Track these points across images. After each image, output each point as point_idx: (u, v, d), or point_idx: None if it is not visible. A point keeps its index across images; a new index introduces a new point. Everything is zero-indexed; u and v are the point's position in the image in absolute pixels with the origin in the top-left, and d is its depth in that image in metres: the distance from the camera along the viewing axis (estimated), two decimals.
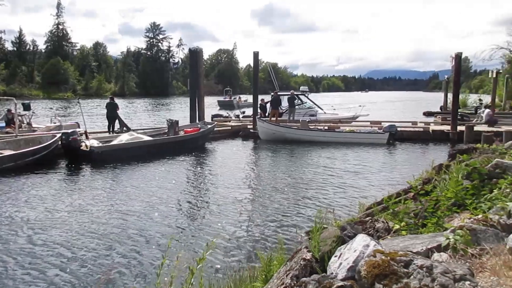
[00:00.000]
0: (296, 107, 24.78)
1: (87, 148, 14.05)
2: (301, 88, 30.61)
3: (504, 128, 17.75)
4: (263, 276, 3.60)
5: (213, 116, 26.88)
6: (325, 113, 26.68)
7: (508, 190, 4.04)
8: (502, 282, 2.14)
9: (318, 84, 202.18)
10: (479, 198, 4.24)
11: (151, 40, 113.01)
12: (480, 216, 3.42)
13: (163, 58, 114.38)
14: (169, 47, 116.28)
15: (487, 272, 2.44)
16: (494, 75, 32.81)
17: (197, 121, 20.21)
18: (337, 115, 26.58)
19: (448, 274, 2.13)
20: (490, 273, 2.39)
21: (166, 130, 17.86)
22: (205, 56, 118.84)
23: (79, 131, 15.15)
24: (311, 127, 20.88)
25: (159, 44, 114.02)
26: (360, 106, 28.38)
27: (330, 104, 32.46)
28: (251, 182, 12.00)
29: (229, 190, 10.70)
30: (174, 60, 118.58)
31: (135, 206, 9.09)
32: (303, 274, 2.96)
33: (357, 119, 25.97)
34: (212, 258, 6.17)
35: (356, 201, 8.46)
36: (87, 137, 15.07)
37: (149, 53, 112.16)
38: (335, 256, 2.89)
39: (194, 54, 21.18)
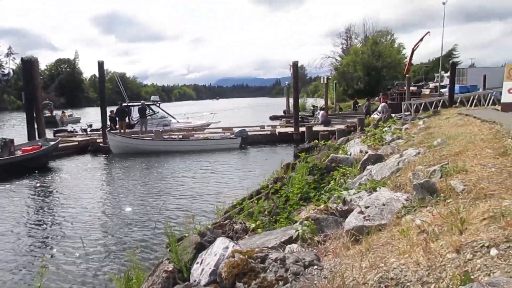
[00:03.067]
0: (148, 117, 24.21)
1: None
2: (152, 97, 29.97)
3: (336, 127, 20.30)
4: None
5: (56, 132, 24.47)
6: (178, 122, 26.64)
7: (342, 180, 4.64)
8: (342, 261, 2.44)
9: (170, 93, 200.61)
10: (320, 190, 4.79)
11: None
12: (322, 206, 3.84)
13: None
14: None
15: (330, 255, 2.75)
16: (325, 81, 37.36)
17: (37, 138, 18.09)
18: (191, 124, 26.81)
19: (299, 262, 2.34)
20: (333, 255, 2.71)
21: None
22: (42, 66, 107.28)
23: None
24: (165, 137, 20.61)
25: None
26: (211, 113, 29.12)
27: (183, 113, 32.54)
28: (104, 199, 11.26)
29: (79, 211, 9.85)
30: (3, 71, 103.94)
31: None
32: (166, 286, 2.91)
33: (209, 126, 26.59)
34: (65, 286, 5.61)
35: (215, 206, 8.64)
36: None
37: None
38: (197, 263, 2.92)
39: (28, 64, 18.90)
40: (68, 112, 47.71)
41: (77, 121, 42.46)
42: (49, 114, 42.09)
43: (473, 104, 19.23)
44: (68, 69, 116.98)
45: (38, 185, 13.34)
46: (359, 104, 35.39)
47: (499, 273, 1.75)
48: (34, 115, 18.61)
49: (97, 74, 22.50)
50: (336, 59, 61.52)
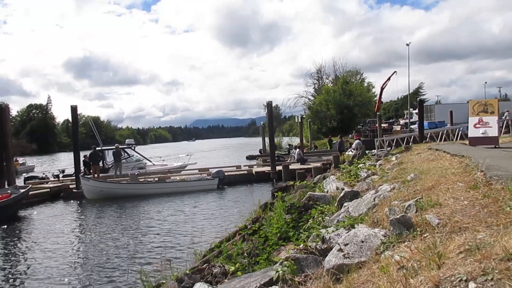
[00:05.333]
0: (123, 161, 23.88)
1: None
2: (127, 141, 29.71)
3: (312, 165, 20.49)
4: None
5: (26, 179, 23.75)
6: (154, 164, 26.37)
7: (320, 218, 4.63)
8: None
9: (145, 136, 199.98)
10: (299, 229, 4.76)
11: None
12: (301, 245, 3.81)
13: None
14: None
15: None
16: (300, 120, 38.14)
17: (7, 186, 17.49)
18: (166, 166, 26.56)
19: None
20: None
21: None
22: (13, 112, 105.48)
23: None
24: (141, 180, 20.29)
25: None
26: (187, 155, 29.01)
27: (158, 156, 32.29)
28: (76, 247, 10.83)
29: (49, 260, 9.41)
30: None
31: None
32: None
33: (186, 168, 26.39)
34: None
35: (192, 249, 8.43)
36: None
37: None
38: None
39: None
40: (20, 160, 45.19)
41: (30, 169, 40.53)
42: None
43: (442, 139, 19.87)
44: (40, 115, 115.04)
45: (6, 235, 12.75)
46: (334, 141, 36.06)
47: None
48: (4, 163, 18.10)
49: (70, 119, 22.28)
50: (309, 99, 62.96)
